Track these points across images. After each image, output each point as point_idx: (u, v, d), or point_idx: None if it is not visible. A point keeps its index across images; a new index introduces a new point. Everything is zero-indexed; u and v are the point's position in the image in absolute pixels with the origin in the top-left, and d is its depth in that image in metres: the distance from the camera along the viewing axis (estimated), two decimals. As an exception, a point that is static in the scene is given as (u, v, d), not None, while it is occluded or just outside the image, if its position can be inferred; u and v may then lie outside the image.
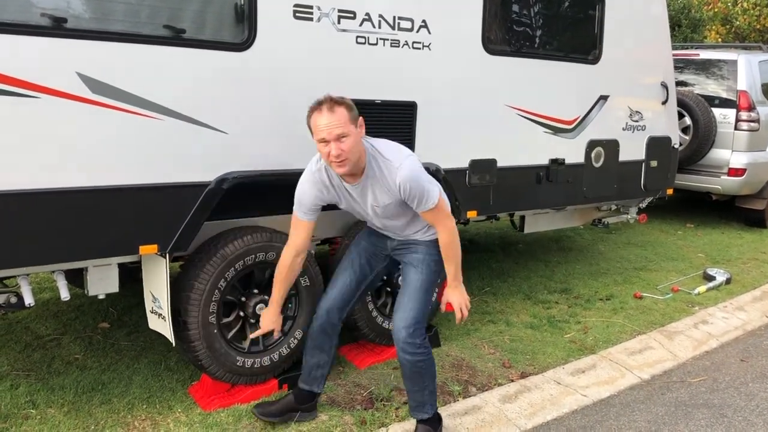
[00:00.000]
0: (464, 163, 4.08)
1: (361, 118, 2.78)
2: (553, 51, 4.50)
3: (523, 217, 5.04)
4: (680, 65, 8.00)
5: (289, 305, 3.50)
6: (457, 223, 4.85)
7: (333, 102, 2.71)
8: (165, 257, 3.01)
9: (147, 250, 2.95)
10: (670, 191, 5.62)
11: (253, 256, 3.24)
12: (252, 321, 3.36)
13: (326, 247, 4.07)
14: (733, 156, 7.25)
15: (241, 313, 3.36)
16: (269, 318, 3.11)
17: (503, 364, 3.91)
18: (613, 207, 5.68)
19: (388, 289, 3.94)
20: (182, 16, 2.94)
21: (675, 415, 3.46)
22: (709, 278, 5.55)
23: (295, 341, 3.46)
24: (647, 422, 3.38)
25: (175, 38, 2.90)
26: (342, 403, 3.37)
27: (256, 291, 3.38)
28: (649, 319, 4.71)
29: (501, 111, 4.24)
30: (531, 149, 4.46)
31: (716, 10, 11.88)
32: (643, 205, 5.76)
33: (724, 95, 7.50)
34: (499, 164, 4.25)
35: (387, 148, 2.86)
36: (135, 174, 2.86)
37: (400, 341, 2.89)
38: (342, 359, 3.90)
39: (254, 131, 3.19)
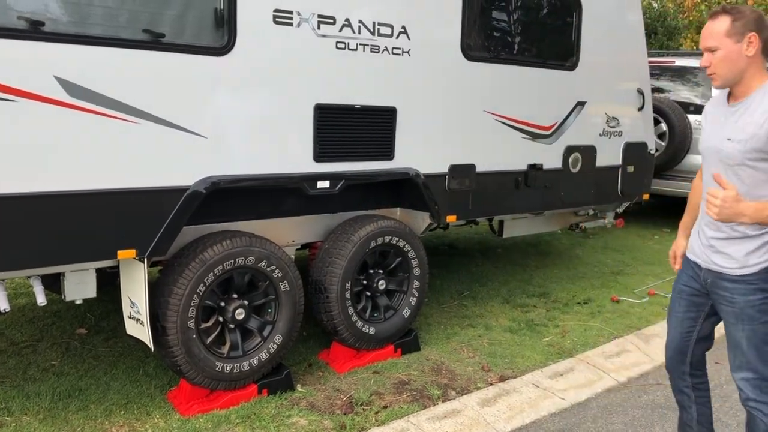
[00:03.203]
0: (444, 168, 4.11)
1: (753, 35, 2.33)
2: (532, 57, 4.55)
3: (501, 222, 5.08)
4: (656, 72, 8.12)
5: (269, 310, 3.49)
6: (436, 228, 4.94)
7: (720, 11, 2.40)
8: (143, 262, 2.99)
9: (125, 254, 2.93)
10: (646, 196, 5.69)
11: (233, 260, 3.23)
12: (231, 326, 3.35)
13: (306, 252, 4.07)
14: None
15: (220, 319, 3.35)
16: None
17: (482, 367, 3.94)
18: (591, 212, 5.75)
19: (368, 293, 3.96)
20: (162, 20, 2.94)
21: (651, 417, 3.51)
22: (685, 282, 5.62)
23: (275, 346, 3.45)
24: (624, 424, 3.42)
25: (155, 42, 2.90)
26: (322, 407, 3.37)
27: (235, 296, 3.37)
28: (626, 323, 4.77)
29: (480, 117, 4.27)
30: (509, 155, 4.50)
31: (691, 18, 12.07)
32: (621, 210, 5.84)
33: (699, 102, 7.62)
34: (479, 169, 4.29)
35: None
36: (113, 178, 2.84)
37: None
38: (322, 364, 3.90)
39: (234, 135, 3.19)
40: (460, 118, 4.16)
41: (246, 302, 3.40)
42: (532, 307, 5.01)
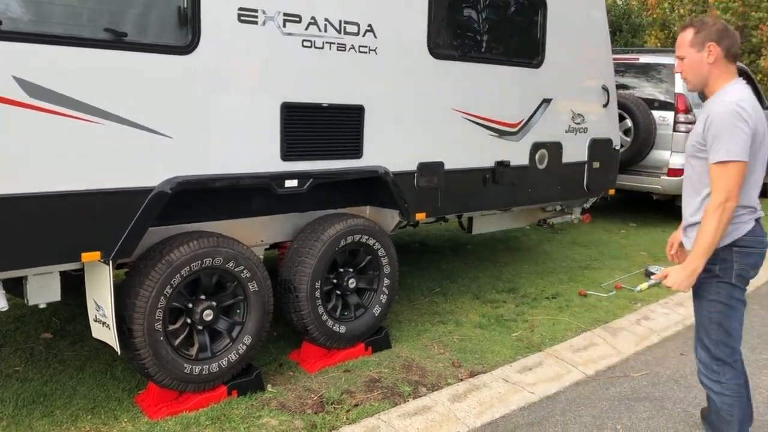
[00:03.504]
0: (412, 166, 4.12)
1: (712, 45, 2.65)
2: (498, 56, 4.58)
3: (471, 219, 5.11)
4: (621, 69, 8.24)
5: (237, 311, 3.47)
6: (405, 225, 4.95)
7: (687, 23, 2.79)
8: (108, 264, 2.95)
9: (89, 257, 2.89)
10: (612, 191, 5.78)
11: (200, 261, 3.20)
12: (199, 328, 3.33)
13: (275, 252, 4.06)
14: (672, 157, 7.51)
15: (188, 320, 3.31)
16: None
17: (453, 363, 3.96)
18: (558, 207, 5.82)
19: (338, 292, 3.95)
20: (124, 19, 2.90)
21: (618, 409, 3.57)
22: (650, 275, 5.73)
23: (244, 347, 3.43)
24: (592, 417, 3.47)
25: (117, 41, 2.86)
26: (292, 407, 3.36)
27: (203, 297, 3.34)
28: (594, 316, 4.83)
29: (448, 114, 4.30)
30: (477, 152, 4.53)
31: (655, 15, 12.28)
32: (587, 205, 5.92)
33: (663, 98, 7.76)
34: (447, 167, 4.31)
35: (736, 89, 2.65)
36: (76, 179, 2.79)
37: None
38: (293, 364, 3.89)
39: (199, 135, 3.16)
40: (428, 116, 4.18)
41: (214, 303, 3.37)
42: (502, 303, 5.05)
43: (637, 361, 4.23)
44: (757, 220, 2.73)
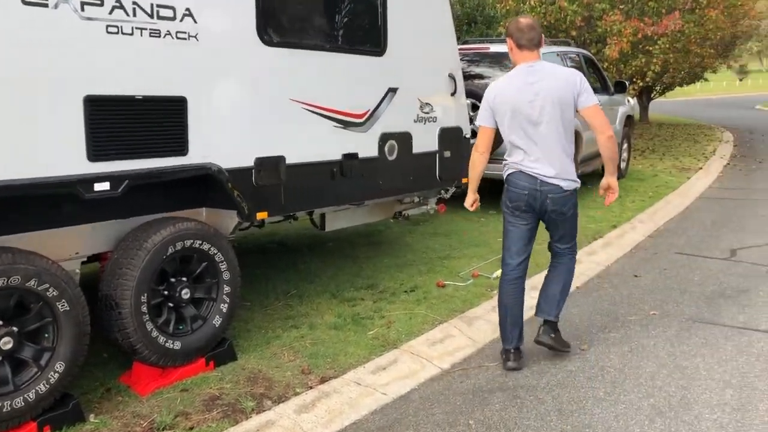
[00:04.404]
0: (249, 162, 3.83)
1: (507, 38, 3.80)
2: (338, 43, 4.37)
3: (323, 215, 4.88)
4: (476, 59, 8.34)
5: (46, 335, 3.03)
6: (249, 226, 4.63)
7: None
8: None
9: None
10: (465, 180, 5.75)
11: (-11, 282, 2.75)
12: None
13: (96, 265, 3.63)
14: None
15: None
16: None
17: (302, 370, 3.71)
18: (416, 199, 5.72)
19: (171, 304, 3.59)
20: None
21: (472, 402, 3.47)
22: (508, 261, 5.75)
23: (56, 375, 3.01)
24: (445, 414, 3.34)
25: None
26: (115, 439, 2.98)
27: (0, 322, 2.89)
28: (451, 307, 4.76)
29: (286, 105, 4.03)
30: (322, 144, 4.30)
31: (508, 7, 12.64)
32: (448, 195, 5.86)
33: (515, 86, 7.89)
34: (289, 161, 4.04)
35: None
36: None
37: None
38: (123, 387, 3.50)
39: (-22, 136, 2.70)
40: (263, 107, 3.90)
41: (14, 329, 2.92)
42: (360, 300, 4.87)
43: (493, 349, 4.18)
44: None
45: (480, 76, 8.20)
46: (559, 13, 12.68)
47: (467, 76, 8.11)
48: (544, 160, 3.66)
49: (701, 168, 12.22)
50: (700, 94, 53.52)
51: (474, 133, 7.62)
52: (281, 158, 4.00)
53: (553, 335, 3.95)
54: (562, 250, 3.98)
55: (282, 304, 4.79)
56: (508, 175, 3.83)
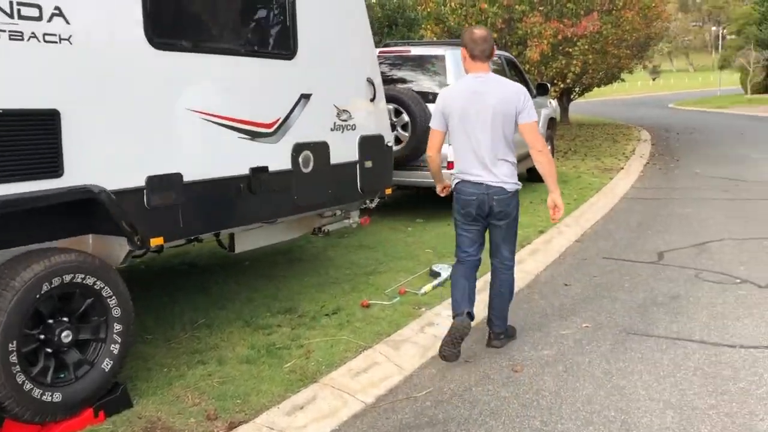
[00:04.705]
0: (139, 181, 3.38)
1: (462, 49, 3.97)
2: (241, 46, 3.98)
3: (232, 235, 4.45)
4: (398, 62, 8.04)
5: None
6: (144, 254, 4.14)
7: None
8: None
9: None
10: (388, 191, 5.43)
11: None
12: None
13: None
14: (450, 150, 7.37)
15: None
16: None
17: (208, 416, 3.28)
18: (338, 212, 5.36)
19: (48, 350, 3.09)
20: None
21: (398, 442, 3.13)
22: (435, 275, 5.46)
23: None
24: (368, 459, 2.99)
25: None
26: None
27: None
28: (376, 330, 4.40)
29: (182, 116, 3.60)
30: (226, 158, 3.88)
31: (429, 9, 12.45)
32: (373, 205, 5.53)
33: (438, 90, 7.63)
34: (187, 179, 3.61)
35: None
36: None
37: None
38: (-9, 452, 2.98)
39: None
40: (155, 119, 3.46)
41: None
42: (276, 328, 4.45)
43: (421, 376, 3.86)
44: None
45: (402, 80, 7.92)
46: (480, 15, 12.59)
47: (388, 80, 7.83)
48: (488, 167, 3.90)
49: (623, 168, 12.37)
50: (617, 94, 55.45)
51: (398, 140, 7.37)
52: (177, 176, 3.56)
53: (502, 338, 4.23)
54: (506, 260, 4.15)
55: (189, 335, 4.33)
56: (457, 183, 4.05)
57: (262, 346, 4.12)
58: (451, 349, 3.81)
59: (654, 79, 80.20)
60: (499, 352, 4.16)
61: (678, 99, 47.96)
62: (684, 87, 71.78)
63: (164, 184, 3.48)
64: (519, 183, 4.02)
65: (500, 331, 4.21)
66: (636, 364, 3.93)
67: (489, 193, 3.91)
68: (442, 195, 4.41)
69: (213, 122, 3.75)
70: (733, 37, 60.44)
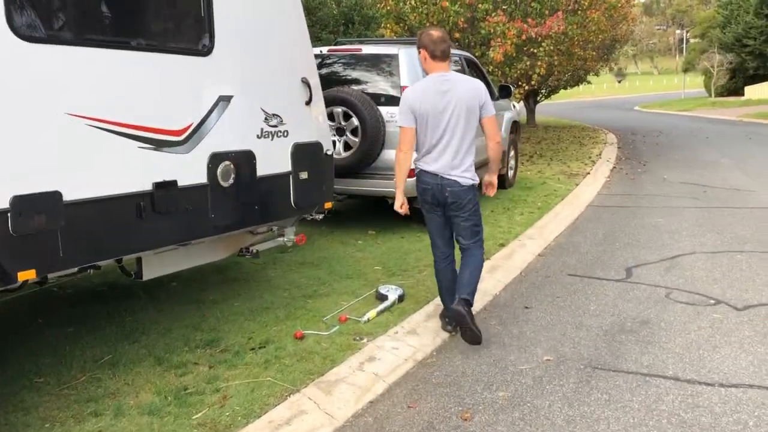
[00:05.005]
0: (3, 203, 2.75)
1: (421, 50, 4.11)
2: (141, 38, 3.36)
3: (139, 260, 3.83)
4: (350, 61, 7.46)
5: None
6: (18, 288, 3.50)
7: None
8: None
9: None
10: (329, 205, 4.85)
11: None
12: None
13: None
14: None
15: None
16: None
17: (84, 493, 2.67)
18: (275, 229, 4.77)
19: None
20: None
21: None
22: (382, 298, 4.90)
23: None
24: None
25: None
26: None
27: None
28: (308, 368, 3.82)
29: (62, 122, 2.98)
30: (122, 172, 3.27)
31: (388, 8, 11.90)
32: (320, 217, 4.95)
33: (392, 92, 7.07)
34: (68, 198, 2.99)
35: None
36: None
37: None
38: None
39: None
40: (23, 126, 2.83)
41: None
42: (192, 366, 3.84)
43: (355, 428, 3.29)
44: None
45: (354, 81, 7.34)
46: (442, 14, 12.06)
47: (338, 81, 7.26)
48: (447, 159, 4.08)
49: (589, 173, 11.97)
50: (584, 97, 55.65)
51: (348, 146, 6.79)
52: (56, 194, 2.94)
53: (469, 308, 4.11)
54: (466, 245, 4.26)
55: (87, 377, 3.70)
56: (417, 172, 4.24)
57: (171, 391, 3.51)
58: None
59: (620, 82, 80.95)
60: (449, 394, 3.61)
61: (643, 101, 48.29)
62: (649, 90, 72.54)
63: (36, 205, 2.85)
64: (476, 178, 4.18)
65: (466, 297, 4.12)
66: (602, 408, 3.42)
67: (443, 183, 4.09)
68: (401, 212, 4.32)
69: (102, 129, 3.14)
70: (696, 40, 61.30)
